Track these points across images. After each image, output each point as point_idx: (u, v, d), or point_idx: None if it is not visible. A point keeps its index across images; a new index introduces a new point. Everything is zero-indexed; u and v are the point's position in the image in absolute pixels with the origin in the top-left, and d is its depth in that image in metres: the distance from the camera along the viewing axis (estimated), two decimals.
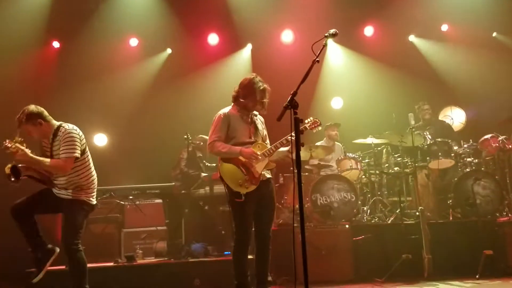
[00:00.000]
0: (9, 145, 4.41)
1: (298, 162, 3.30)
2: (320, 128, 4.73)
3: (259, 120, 4.69)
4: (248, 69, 9.04)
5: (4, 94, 7.76)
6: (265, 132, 4.71)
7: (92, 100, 8.35)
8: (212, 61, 9.02)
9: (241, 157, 4.41)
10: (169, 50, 9.11)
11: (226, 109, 4.61)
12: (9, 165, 4.52)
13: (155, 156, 8.16)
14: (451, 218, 6.56)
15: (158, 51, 9.08)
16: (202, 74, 8.85)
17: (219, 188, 6.96)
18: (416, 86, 8.44)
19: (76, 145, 4.45)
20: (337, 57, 9.16)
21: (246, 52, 9.22)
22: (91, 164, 4.66)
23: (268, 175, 4.58)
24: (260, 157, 4.41)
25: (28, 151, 4.44)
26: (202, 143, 7.06)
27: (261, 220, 4.49)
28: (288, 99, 3.29)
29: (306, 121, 4.59)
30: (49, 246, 4.65)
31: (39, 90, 8.21)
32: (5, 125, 7.67)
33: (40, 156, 4.53)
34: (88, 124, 7.85)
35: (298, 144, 3.29)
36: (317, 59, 3.43)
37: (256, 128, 4.61)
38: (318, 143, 7.40)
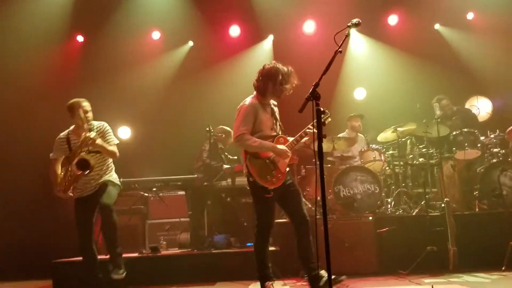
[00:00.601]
0: (91, 135, 4.90)
1: (320, 154, 3.28)
2: (329, 119, 4.61)
3: (276, 110, 4.62)
4: (270, 60, 8.98)
5: (30, 87, 7.93)
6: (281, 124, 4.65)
7: (116, 93, 8.44)
8: (234, 53, 9.00)
9: (271, 153, 4.36)
10: (190, 43, 9.13)
11: (251, 99, 4.46)
12: (75, 161, 4.89)
13: (177, 149, 8.22)
14: (477, 209, 6.45)
15: (180, 44, 9.12)
16: (224, 66, 8.85)
17: (241, 180, 6.98)
18: (441, 76, 8.29)
19: None
20: (360, 47, 9.04)
21: (267, 44, 9.17)
22: None
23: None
24: (289, 155, 4.40)
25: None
26: (223, 135, 7.08)
27: (293, 206, 4.49)
28: (310, 90, 3.27)
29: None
30: None
31: (64, 84, 8.36)
32: (32, 115, 7.91)
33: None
34: (112, 117, 7.95)
35: (320, 136, 3.26)
36: (339, 49, 3.39)
37: (276, 119, 4.57)
38: (340, 135, 7.34)
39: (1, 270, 7.23)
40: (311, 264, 4.40)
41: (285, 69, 4.42)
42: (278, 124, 4.57)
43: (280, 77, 4.37)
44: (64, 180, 5.05)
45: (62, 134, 5.19)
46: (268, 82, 4.40)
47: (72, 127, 5.18)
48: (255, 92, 4.53)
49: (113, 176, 5.26)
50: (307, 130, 4.44)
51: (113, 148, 5.12)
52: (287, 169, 4.53)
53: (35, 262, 6.95)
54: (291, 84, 4.43)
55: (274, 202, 4.43)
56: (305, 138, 4.45)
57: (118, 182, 5.32)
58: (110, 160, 5.22)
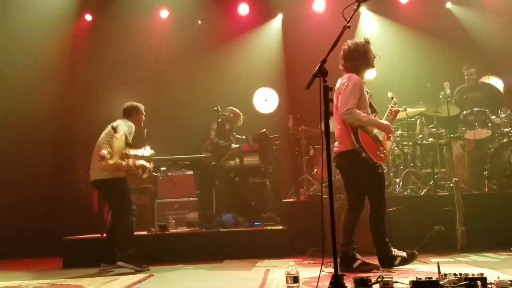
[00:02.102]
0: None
1: (327, 131, 3.24)
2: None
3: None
4: (279, 39, 8.93)
5: (39, 66, 7.93)
6: None
7: (124, 73, 8.43)
8: (242, 32, 8.93)
9: (375, 129, 4.46)
10: (199, 22, 9.05)
11: (356, 76, 4.47)
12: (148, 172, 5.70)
13: (185, 128, 8.21)
14: (486, 189, 6.41)
15: (189, 22, 9.04)
16: (233, 45, 8.78)
17: (249, 160, 6.98)
18: (453, 55, 8.15)
19: None
20: (370, 26, 8.89)
21: (276, 22, 9.07)
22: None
23: None
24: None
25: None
26: (231, 115, 7.07)
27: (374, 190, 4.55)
28: (317, 66, 3.22)
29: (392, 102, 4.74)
30: None
31: (72, 63, 8.37)
32: (41, 95, 7.93)
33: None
34: (120, 96, 7.98)
35: (327, 114, 3.23)
36: (348, 24, 3.34)
37: (370, 97, 4.65)
38: None
39: (13, 248, 7.34)
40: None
41: (362, 41, 4.60)
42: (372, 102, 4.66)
43: (363, 50, 4.52)
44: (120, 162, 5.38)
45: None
46: (357, 59, 4.52)
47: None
48: (350, 74, 4.51)
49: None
50: (391, 108, 4.65)
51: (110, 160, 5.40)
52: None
53: (46, 239, 7.06)
54: (373, 53, 4.59)
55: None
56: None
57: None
58: None
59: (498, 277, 2.96)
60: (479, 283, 2.86)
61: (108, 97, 5.27)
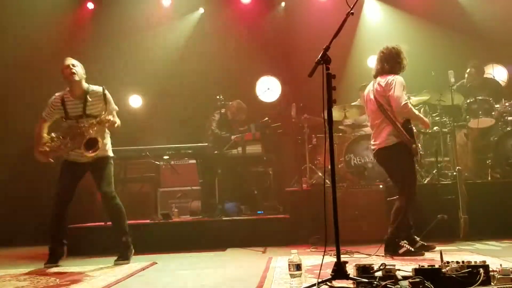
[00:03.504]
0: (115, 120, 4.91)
1: (330, 119, 3.23)
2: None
3: None
4: (282, 27, 8.87)
5: (40, 54, 7.91)
6: None
7: (126, 62, 8.41)
8: (245, 21, 8.87)
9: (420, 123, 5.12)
10: (201, 10, 9.01)
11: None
12: (85, 140, 4.80)
13: (188, 117, 8.21)
14: (489, 178, 6.39)
15: (191, 10, 8.99)
16: (235, 33, 8.74)
17: (251, 149, 7.00)
18: (457, 43, 8.07)
19: None
20: (374, 14, 8.83)
21: (279, 10, 9.02)
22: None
23: None
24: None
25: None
26: (234, 104, 7.07)
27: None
28: (321, 54, 3.20)
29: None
30: None
31: (74, 51, 8.28)
32: (43, 81, 7.92)
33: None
34: (122, 86, 7.97)
35: (330, 101, 3.21)
36: (351, 11, 3.31)
37: None
38: (352, 103, 7.25)
39: (17, 235, 7.38)
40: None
41: (399, 47, 4.98)
42: None
43: (401, 56, 4.92)
44: (51, 145, 4.91)
45: (57, 94, 5.01)
46: (395, 63, 4.89)
47: (67, 89, 4.98)
48: (392, 75, 4.85)
49: (108, 147, 5.08)
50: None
51: (119, 121, 4.98)
52: None
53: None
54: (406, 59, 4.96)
55: None
56: None
57: (112, 154, 5.13)
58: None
59: (501, 265, 2.96)
60: (481, 271, 2.86)
61: (110, 86, 5.23)
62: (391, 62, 4.87)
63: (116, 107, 5.08)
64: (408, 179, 4.77)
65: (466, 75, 7.28)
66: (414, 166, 4.88)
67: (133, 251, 5.06)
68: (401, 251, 4.63)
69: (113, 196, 5.02)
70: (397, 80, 4.78)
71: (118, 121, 4.94)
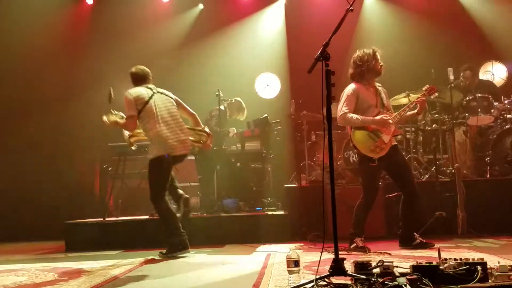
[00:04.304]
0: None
1: (329, 116, 3.23)
2: (437, 94, 5.15)
3: (383, 91, 5.02)
4: (282, 24, 8.86)
5: (39, 51, 7.90)
6: (389, 102, 5.10)
7: (124, 57, 8.37)
8: (245, 16, 8.86)
9: (373, 125, 4.79)
10: (200, 6, 8.99)
11: (352, 84, 4.93)
12: None
13: None
14: (488, 176, 6.40)
15: (190, 6, 8.97)
16: (234, 30, 8.72)
17: (250, 145, 6.99)
18: (456, 40, 8.08)
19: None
20: (373, 9, 8.82)
21: (279, 7, 8.99)
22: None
23: (394, 142, 4.96)
24: (391, 123, 4.79)
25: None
26: (232, 101, 7.04)
27: (401, 176, 4.94)
28: (320, 50, 3.19)
29: (424, 88, 4.97)
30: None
31: (73, 47, 8.32)
32: (43, 78, 7.92)
33: None
34: (120, 81, 7.94)
35: (329, 98, 3.20)
36: (351, 7, 3.31)
37: (381, 98, 4.96)
38: None
39: (15, 231, 7.39)
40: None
41: (370, 51, 4.99)
42: (384, 102, 4.96)
43: (363, 60, 4.91)
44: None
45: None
46: (355, 67, 4.95)
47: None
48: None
49: (151, 150, 5.38)
50: (416, 100, 4.91)
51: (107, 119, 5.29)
52: (395, 143, 4.96)
53: (48, 223, 7.10)
54: (379, 62, 4.99)
55: (380, 173, 5.07)
56: (415, 110, 4.89)
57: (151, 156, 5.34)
58: None
59: (498, 262, 2.97)
60: (479, 268, 2.87)
61: (108, 82, 5.22)
62: (352, 67, 4.99)
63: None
64: (363, 181, 4.98)
65: (461, 78, 7.21)
66: (370, 172, 4.89)
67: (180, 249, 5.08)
68: (414, 243, 4.82)
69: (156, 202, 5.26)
70: (344, 91, 4.91)
71: (106, 120, 5.18)
